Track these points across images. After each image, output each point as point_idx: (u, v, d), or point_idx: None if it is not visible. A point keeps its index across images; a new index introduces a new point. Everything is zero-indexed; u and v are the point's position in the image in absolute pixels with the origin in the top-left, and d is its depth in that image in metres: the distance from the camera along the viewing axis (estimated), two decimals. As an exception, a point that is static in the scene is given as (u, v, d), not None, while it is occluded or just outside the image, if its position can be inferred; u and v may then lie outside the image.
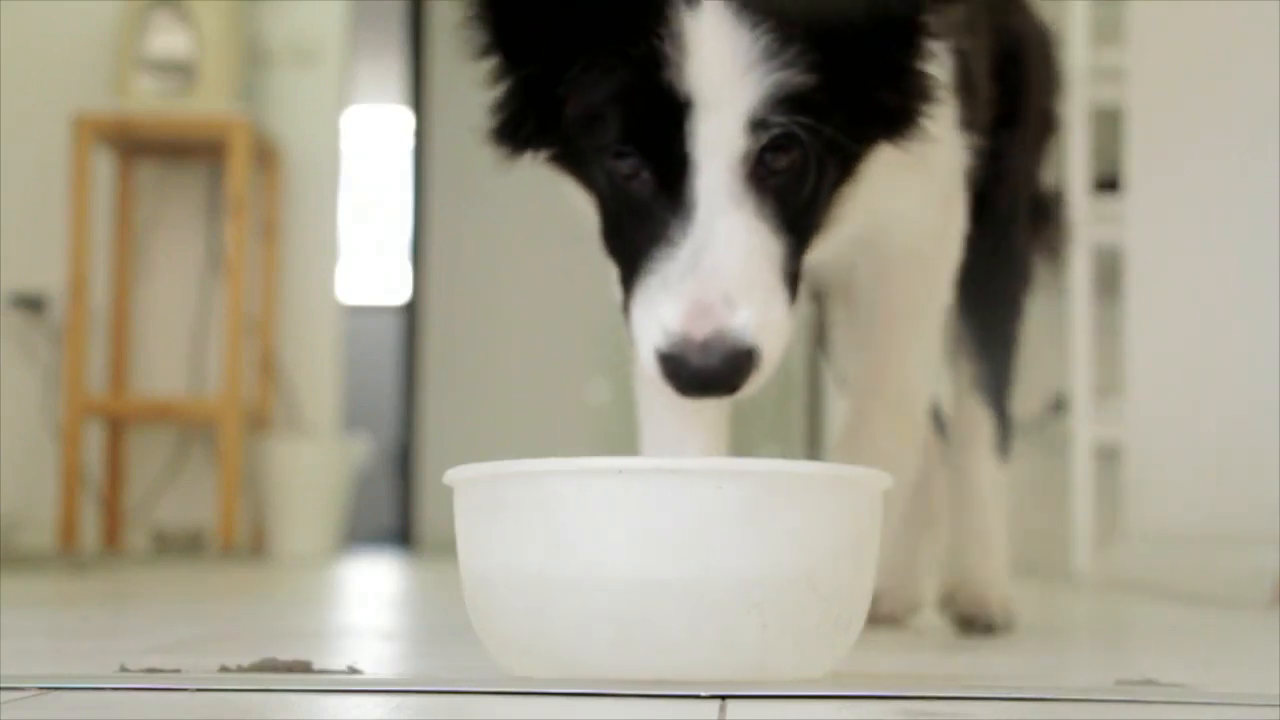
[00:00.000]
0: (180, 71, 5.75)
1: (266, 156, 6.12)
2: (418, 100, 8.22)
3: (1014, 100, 2.20)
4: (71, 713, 1.12)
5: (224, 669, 1.33)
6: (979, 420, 2.30)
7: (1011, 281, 2.35)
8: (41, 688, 1.22)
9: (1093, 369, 4.92)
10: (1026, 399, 4.46)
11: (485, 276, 7.90)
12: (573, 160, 1.60)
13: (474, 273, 7.93)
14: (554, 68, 1.52)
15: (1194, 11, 3.76)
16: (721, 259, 1.44)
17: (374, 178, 9.66)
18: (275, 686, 1.27)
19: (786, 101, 1.46)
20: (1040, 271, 2.46)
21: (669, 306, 1.44)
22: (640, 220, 1.50)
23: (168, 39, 5.74)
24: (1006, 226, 2.29)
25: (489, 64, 1.60)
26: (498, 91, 1.60)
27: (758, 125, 1.46)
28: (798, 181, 1.51)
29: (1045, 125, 2.41)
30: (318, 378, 6.33)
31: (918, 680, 1.39)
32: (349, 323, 7.11)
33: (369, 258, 9.63)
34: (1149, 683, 1.33)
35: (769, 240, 1.48)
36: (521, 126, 1.60)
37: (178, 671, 1.32)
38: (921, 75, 1.60)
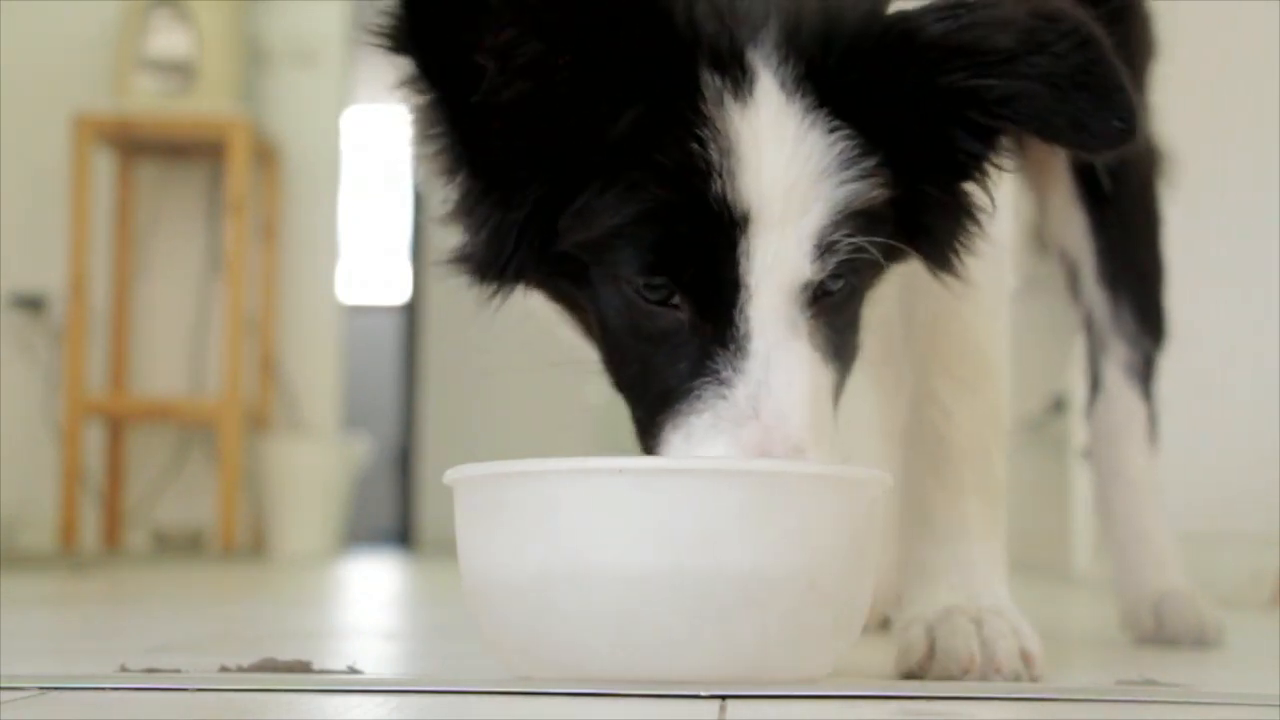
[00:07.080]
0: (180, 71, 5.74)
1: (266, 156, 6.12)
2: (418, 100, 8.22)
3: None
4: (71, 713, 1.12)
5: (224, 669, 1.33)
6: (1132, 411, 2.11)
7: (1157, 262, 2.15)
8: (41, 688, 1.21)
9: (1093, 369, 4.90)
10: (1026, 399, 4.45)
11: (485, 276, 7.89)
12: (568, 284, 1.33)
13: (474, 273, 7.92)
14: (555, 197, 1.27)
15: (1196, 14, 3.75)
16: (785, 402, 1.22)
17: (374, 178, 9.65)
18: (275, 686, 1.27)
19: (853, 219, 1.24)
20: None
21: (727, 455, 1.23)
22: (672, 353, 1.27)
23: (168, 39, 5.74)
24: (1143, 199, 2.10)
25: (459, 184, 1.32)
26: (473, 218, 1.32)
27: (825, 247, 1.24)
28: (849, 303, 1.30)
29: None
30: (318, 378, 6.33)
31: (917, 681, 1.39)
32: (349, 323, 7.11)
33: (369, 258, 9.62)
34: (1149, 683, 1.34)
35: (823, 371, 1.27)
36: (510, 260, 1.32)
37: (178, 671, 1.32)
38: (965, 200, 1.34)
